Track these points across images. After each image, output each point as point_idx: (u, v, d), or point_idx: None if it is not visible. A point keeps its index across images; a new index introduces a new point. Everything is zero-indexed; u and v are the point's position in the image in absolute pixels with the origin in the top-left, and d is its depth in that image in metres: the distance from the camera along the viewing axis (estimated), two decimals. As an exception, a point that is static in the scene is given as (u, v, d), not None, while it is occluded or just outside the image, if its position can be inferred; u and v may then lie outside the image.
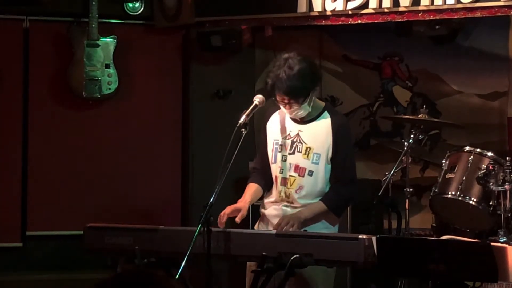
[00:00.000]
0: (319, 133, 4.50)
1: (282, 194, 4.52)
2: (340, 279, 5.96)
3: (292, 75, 4.35)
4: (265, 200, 4.63)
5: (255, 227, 4.64)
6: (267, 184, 4.61)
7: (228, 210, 4.41)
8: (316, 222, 4.47)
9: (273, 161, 4.57)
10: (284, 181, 4.51)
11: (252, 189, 4.58)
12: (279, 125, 4.57)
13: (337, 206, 4.50)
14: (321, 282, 4.38)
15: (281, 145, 4.53)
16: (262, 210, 4.65)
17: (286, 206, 4.51)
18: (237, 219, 4.39)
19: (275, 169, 4.55)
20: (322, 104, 4.59)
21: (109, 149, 6.88)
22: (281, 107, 4.51)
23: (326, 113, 4.54)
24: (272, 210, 4.57)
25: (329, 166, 4.49)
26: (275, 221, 4.49)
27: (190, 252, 3.94)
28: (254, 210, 4.98)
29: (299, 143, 4.51)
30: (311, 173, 4.48)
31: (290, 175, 4.50)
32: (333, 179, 4.49)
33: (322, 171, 4.48)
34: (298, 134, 4.52)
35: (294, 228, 4.34)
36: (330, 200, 4.46)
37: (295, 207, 4.49)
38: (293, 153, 4.50)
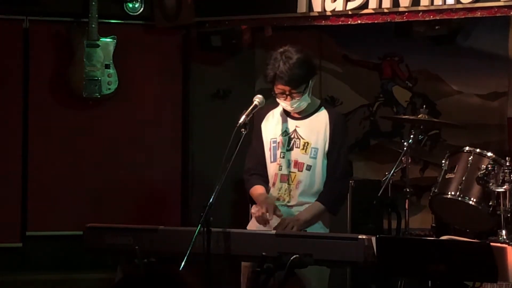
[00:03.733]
0: (316, 127, 4.53)
1: (282, 191, 4.51)
2: (340, 279, 5.97)
3: (292, 64, 4.40)
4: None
5: (248, 227, 4.61)
6: (267, 185, 4.61)
7: (264, 209, 4.40)
8: (314, 223, 4.47)
9: (272, 160, 4.57)
10: (284, 178, 4.52)
11: (261, 191, 4.56)
12: (275, 124, 4.58)
13: (334, 204, 4.53)
14: (316, 280, 4.38)
15: (278, 142, 4.53)
16: (254, 212, 4.62)
17: (281, 206, 4.50)
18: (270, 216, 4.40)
19: (274, 168, 4.55)
20: (318, 100, 4.64)
21: (109, 149, 6.88)
22: (280, 101, 4.51)
23: (322, 108, 4.59)
24: None
25: (326, 161, 4.52)
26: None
27: (190, 252, 3.94)
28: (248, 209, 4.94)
29: (297, 138, 4.53)
30: (309, 167, 4.50)
31: (290, 171, 4.52)
32: (327, 174, 4.52)
33: (320, 165, 4.50)
34: (295, 130, 4.55)
35: (294, 230, 4.35)
36: (326, 200, 4.48)
37: (291, 207, 4.49)
38: (292, 149, 4.52)
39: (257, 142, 4.62)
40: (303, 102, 4.48)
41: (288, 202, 4.51)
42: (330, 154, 4.50)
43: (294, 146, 4.52)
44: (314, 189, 4.50)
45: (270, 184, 4.58)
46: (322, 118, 4.54)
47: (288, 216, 4.48)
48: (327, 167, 4.51)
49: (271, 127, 4.57)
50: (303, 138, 4.51)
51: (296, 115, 4.56)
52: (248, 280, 4.54)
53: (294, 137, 4.54)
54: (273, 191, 4.55)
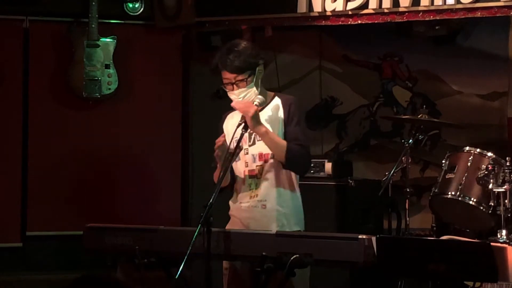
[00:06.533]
0: (272, 114, 4.53)
1: (253, 186, 4.50)
2: (340, 279, 5.97)
3: (236, 51, 4.48)
4: (233, 203, 4.58)
5: (226, 227, 4.56)
6: (232, 180, 4.60)
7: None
8: (267, 142, 4.44)
9: (237, 159, 4.55)
10: (253, 173, 4.51)
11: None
12: (235, 123, 4.53)
13: (294, 153, 4.42)
14: (297, 279, 4.32)
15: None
16: (232, 213, 4.58)
17: (255, 207, 4.48)
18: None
19: (240, 166, 4.54)
20: (272, 93, 4.64)
21: (109, 149, 6.88)
22: (229, 94, 4.53)
23: (276, 98, 4.60)
24: (243, 212, 4.51)
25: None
26: (247, 222, 4.47)
27: (190, 252, 3.94)
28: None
29: None
30: (273, 155, 4.49)
31: (256, 165, 4.50)
32: (288, 140, 4.49)
33: None
34: None
35: (251, 113, 4.35)
36: (290, 145, 4.43)
37: (264, 204, 4.46)
38: (253, 143, 4.51)
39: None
40: (250, 92, 4.49)
41: (257, 196, 4.48)
42: (287, 126, 4.50)
43: (256, 140, 4.52)
44: (281, 175, 4.47)
45: (240, 183, 4.55)
46: (276, 105, 4.56)
47: (263, 217, 4.45)
48: (287, 135, 4.48)
49: (231, 127, 4.55)
50: None
51: None
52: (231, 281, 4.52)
53: None
54: (244, 189, 4.52)
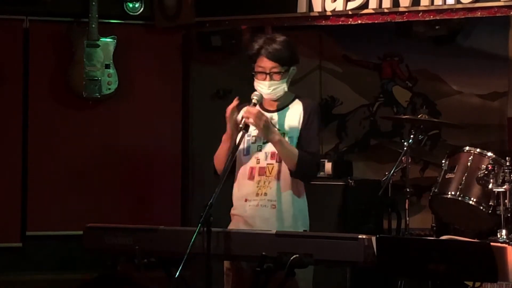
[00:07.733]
0: (292, 117, 4.51)
1: (261, 184, 4.46)
2: (340, 279, 5.97)
3: (280, 42, 4.47)
4: (237, 201, 4.54)
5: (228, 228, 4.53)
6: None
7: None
8: (279, 150, 4.41)
9: (244, 153, 4.51)
10: (263, 171, 4.47)
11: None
12: None
13: (304, 163, 4.39)
14: (300, 279, 4.32)
15: (253, 136, 4.50)
16: (235, 212, 4.56)
17: (264, 205, 4.46)
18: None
19: (249, 161, 4.50)
20: (293, 94, 4.61)
21: (109, 149, 6.88)
22: (258, 83, 4.48)
23: (297, 100, 4.57)
24: (249, 210, 4.47)
25: None
26: (252, 221, 4.45)
27: (190, 252, 3.94)
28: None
29: None
30: None
31: (268, 164, 4.47)
32: (300, 147, 4.46)
33: None
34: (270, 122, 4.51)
35: (262, 122, 4.34)
36: (302, 154, 4.40)
37: (273, 205, 4.45)
38: (267, 141, 4.48)
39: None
40: (280, 87, 4.46)
41: (265, 194, 4.45)
42: (304, 131, 4.47)
43: None
44: (292, 179, 4.45)
45: (246, 178, 4.50)
46: (296, 108, 4.53)
47: (272, 217, 4.42)
48: (299, 142, 4.45)
49: None
50: (278, 129, 4.48)
51: (271, 108, 4.53)
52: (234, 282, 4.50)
53: None
54: (252, 186, 4.48)
